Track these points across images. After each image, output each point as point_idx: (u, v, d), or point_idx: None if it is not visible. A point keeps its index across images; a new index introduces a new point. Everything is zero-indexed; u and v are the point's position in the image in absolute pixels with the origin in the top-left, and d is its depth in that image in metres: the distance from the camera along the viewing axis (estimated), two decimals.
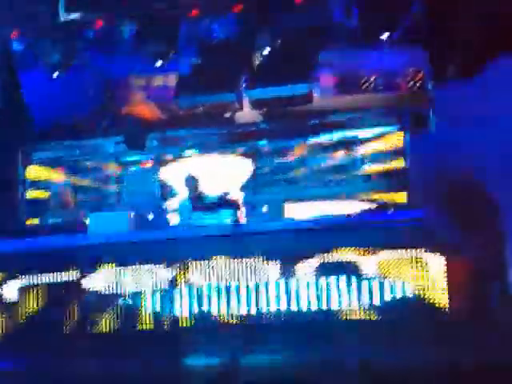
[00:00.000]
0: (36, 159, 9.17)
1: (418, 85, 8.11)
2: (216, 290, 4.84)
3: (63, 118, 8.85)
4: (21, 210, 8.72)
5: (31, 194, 9.08)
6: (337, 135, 8.17)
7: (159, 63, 8.65)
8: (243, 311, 4.79)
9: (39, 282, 5.13)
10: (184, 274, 4.94)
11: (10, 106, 9.04)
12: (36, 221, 7.90)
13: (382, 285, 4.60)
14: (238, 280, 4.81)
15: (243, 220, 5.37)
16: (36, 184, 9.06)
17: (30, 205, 8.82)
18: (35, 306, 5.09)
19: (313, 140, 8.21)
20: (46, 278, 5.14)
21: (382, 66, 8.20)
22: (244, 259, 4.83)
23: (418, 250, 4.58)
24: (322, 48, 8.10)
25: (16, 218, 8.26)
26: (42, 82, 9.02)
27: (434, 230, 4.53)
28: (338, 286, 4.66)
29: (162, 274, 4.95)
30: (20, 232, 5.72)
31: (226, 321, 4.81)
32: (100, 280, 5.02)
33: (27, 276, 5.16)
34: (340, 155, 8.20)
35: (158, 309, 4.91)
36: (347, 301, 4.64)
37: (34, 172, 9.20)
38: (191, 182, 6.71)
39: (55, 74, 8.96)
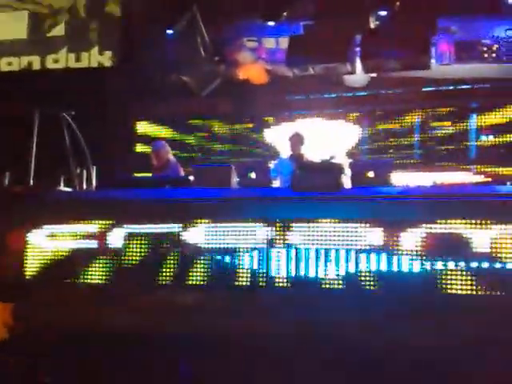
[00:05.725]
0: (145, 115, 9.44)
1: None
2: (315, 253, 4.73)
3: (174, 77, 8.98)
4: (129, 162, 9.05)
5: (139, 148, 9.40)
6: (452, 104, 7.79)
7: (271, 24, 8.55)
8: (341, 276, 4.65)
9: (142, 232, 5.22)
10: (283, 234, 4.85)
11: (126, 62, 9.32)
12: (142, 173, 8.12)
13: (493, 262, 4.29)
14: (339, 244, 4.67)
15: (348, 184, 5.19)
16: (144, 139, 9.35)
17: (137, 158, 9.14)
18: (137, 254, 5.20)
19: (426, 108, 7.88)
20: (149, 228, 5.23)
21: (506, 33, 7.71)
22: (346, 223, 4.68)
23: None
24: (441, 13, 7.69)
25: (124, 169, 8.55)
26: (157, 41, 9.19)
27: None
28: (444, 260, 4.40)
29: (261, 232, 4.89)
30: (127, 183, 5.86)
31: (323, 284, 4.69)
32: (199, 234, 5.04)
33: (132, 225, 5.25)
34: (454, 125, 7.83)
35: (255, 267, 4.86)
36: (453, 275, 4.37)
37: (142, 127, 9.48)
38: (295, 139, 6.61)
39: (169, 32, 9.10)
